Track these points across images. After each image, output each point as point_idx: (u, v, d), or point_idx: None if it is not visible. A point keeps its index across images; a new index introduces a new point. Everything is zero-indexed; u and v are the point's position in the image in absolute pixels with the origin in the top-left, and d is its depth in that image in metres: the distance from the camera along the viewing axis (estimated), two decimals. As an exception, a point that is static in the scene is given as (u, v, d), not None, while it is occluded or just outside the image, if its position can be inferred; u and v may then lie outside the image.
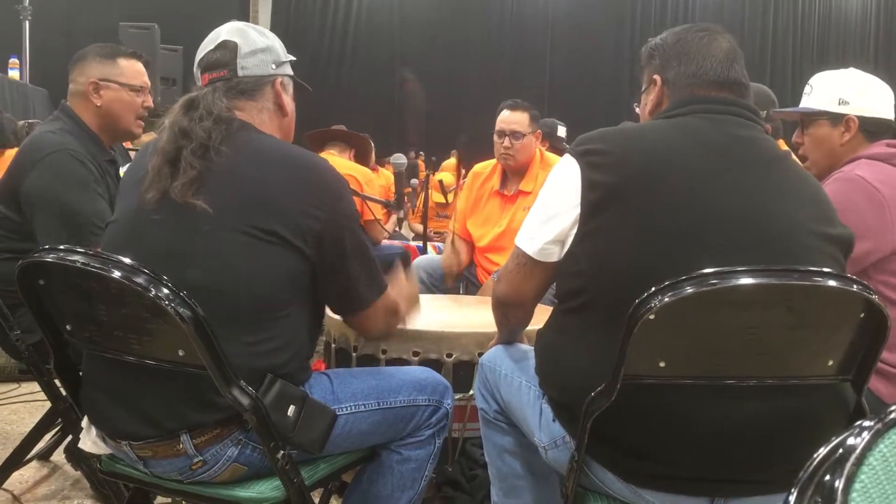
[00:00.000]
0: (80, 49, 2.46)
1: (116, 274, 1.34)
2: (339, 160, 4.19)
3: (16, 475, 2.54)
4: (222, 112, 1.53)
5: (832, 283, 1.24)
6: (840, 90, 2.04)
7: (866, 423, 0.58)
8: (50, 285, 1.48)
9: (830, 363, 1.31)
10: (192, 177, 1.46)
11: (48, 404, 2.40)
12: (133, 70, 2.44)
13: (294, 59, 1.76)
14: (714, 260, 1.26)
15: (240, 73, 1.61)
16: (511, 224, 3.40)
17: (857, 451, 0.55)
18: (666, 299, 1.20)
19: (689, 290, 1.20)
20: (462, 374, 2.17)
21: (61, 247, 1.43)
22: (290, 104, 1.71)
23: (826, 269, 1.27)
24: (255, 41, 1.64)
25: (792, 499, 0.55)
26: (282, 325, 1.50)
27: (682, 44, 1.57)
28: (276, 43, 1.69)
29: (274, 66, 1.66)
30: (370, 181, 4.15)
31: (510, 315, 1.70)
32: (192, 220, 1.45)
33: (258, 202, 1.48)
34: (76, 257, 1.39)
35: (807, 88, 2.13)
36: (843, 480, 0.53)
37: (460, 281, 3.60)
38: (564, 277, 1.48)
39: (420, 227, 4.56)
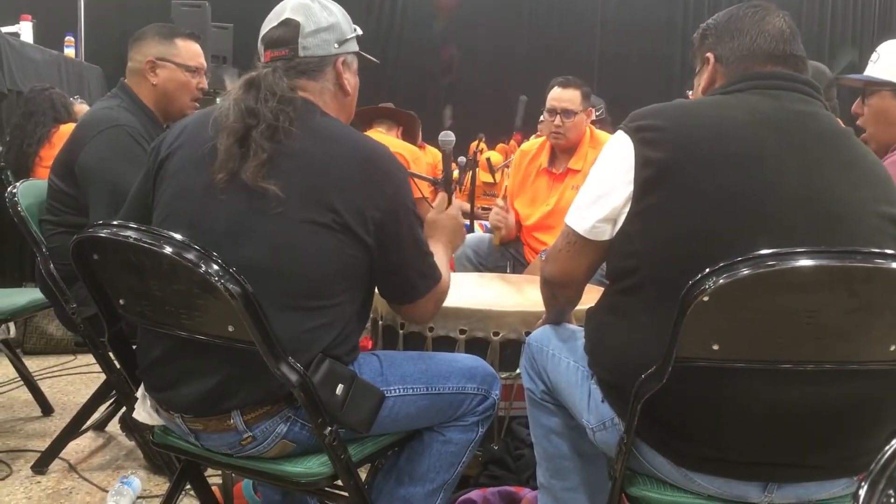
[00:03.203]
0: (134, 27, 2.49)
1: (168, 250, 1.36)
2: (386, 138, 4.18)
3: (72, 445, 2.62)
4: (285, 92, 1.53)
5: (895, 265, 1.19)
6: None
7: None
8: (104, 260, 1.51)
9: (893, 348, 1.26)
10: (263, 160, 1.46)
11: (103, 376, 2.47)
12: (190, 51, 2.47)
13: (360, 32, 1.72)
14: (772, 240, 1.22)
15: (301, 52, 1.60)
16: (559, 203, 3.36)
17: (932, 443, 0.53)
18: (721, 281, 1.17)
19: (745, 271, 1.17)
20: (508, 352, 2.16)
21: (115, 222, 1.45)
22: (353, 81, 1.70)
23: (889, 251, 1.22)
24: (319, 19, 1.62)
25: (862, 493, 0.52)
26: (335, 309, 1.51)
27: (735, 20, 1.52)
28: (341, 18, 1.66)
29: (337, 46, 1.64)
30: (417, 159, 4.14)
31: (559, 295, 1.68)
32: (262, 203, 1.45)
33: (326, 188, 1.48)
34: (129, 233, 1.41)
35: (874, 56, 2.05)
36: (917, 474, 0.51)
37: (507, 259, 3.58)
38: (617, 257, 1.45)
39: (467, 206, 4.54)
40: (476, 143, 6.65)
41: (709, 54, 1.55)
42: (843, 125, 1.48)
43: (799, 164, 1.35)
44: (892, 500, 0.50)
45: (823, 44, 10.71)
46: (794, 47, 1.48)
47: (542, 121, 7.42)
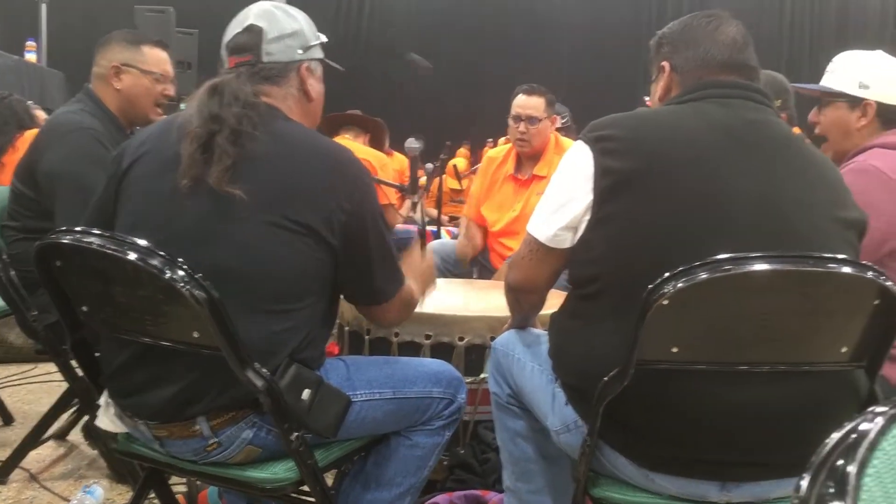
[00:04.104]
0: (97, 32, 2.48)
1: (132, 256, 1.35)
2: (354, 144, 4.18)
3: (33, 454, 2.57)
4: (249, 97, 1.53)
5: (847, 269, 1.24)
6: (862, 73, 2.01)
7: (879, 409, 0.58)
8: (67, 266, 1.50)
9: (844, 350, 1.30)
10: (228, 164, 1.46)
11: (65, 385, 2.43)
12: (156, 58, 2.46)
13: (325, 39, 1.73)
14: (729, 245, 1.25)
15: (264, 58, 1.60)
16: (525, 209, 3.39)
17: (871, 435, 0.56)
18: (680, 285, 1.20)
19: (703, 275, 1.20)
20: (474, 357, 2.18)
21: (78, 228, 1.44)
22: (318, 88, 1.71)
23: (841, 256, 1.27)
24: (283, 25, 1.62)
25: (804, 483, 0.55)
26: (301, 313, 1.51)
27: (689, 30, 1.56)
28: (305, 25, 1.67)
29: (301, 52, 1.64)
30: (385, 165, 4.15)
31: (523, 300, 1.70)
32: (227, 207, 1.45)
33: (291, 192, 1.48)
34: (92, 239, 1.40)
35: (830, 66, 2.09)
36: (856, 465, 0.54)
37: (474, 266, 3.60)
38: (578, 264, 1.47)
39: (434, 212, 4.56)
40: (460, 148, 6.69)
41: (664, 63, 1.58)
42: (795, 132, 1.53)
43: (754, 171, 1.38)
44: (831, 490, 0.52)
45: (781, 53, 10.93)
46: (746, 56, 1.52)
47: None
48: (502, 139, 7.48)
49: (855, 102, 2.01)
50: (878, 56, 2.06)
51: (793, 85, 2.57)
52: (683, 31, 1.57)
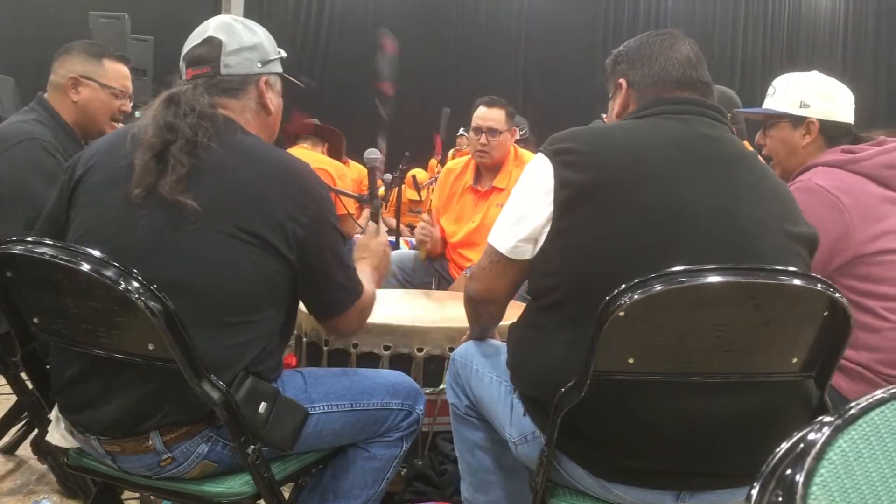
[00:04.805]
0: (50, 38, 2.44)
1: (85, 267, 1.33)
2: (312, 154, 4.17)
3: (-20, 469, 2.51)
4: (205, 108, 1.52)
5: (797, 281, 1.27)
6: (802, 93, 2.07)
7: (827, 419, 0.60)
8: (17, 277, 1.47)
9: (795, 360, 1.33)
10: (182, 174, 1.44)
11: (14, 398, 2.37)
12: (117, 72, 2.43)
13: (284, 55, 1.73)
14: (685, 258, 1.27)
15: (223, 71, 1.59)
16: (484, 220, 3.40)
17: (818, 445, 0.57)
18: (635, 297, 1.22)
19: (658, 287, 1.22)
20: (432, 368, 2.18)
21: (29, 239, 1.41)
22: (276, 102, 1.70)
23: (792, 269, 1.30)
24: (242, 38, 1.62)
25: (754, 493, 0.56)
26: (257, 325, 1.50)
27: (645, 48, 1.59)
28: (264, 39, 1.67)
29: (260, 65, 1.64)
30: (343, 175, 4.14)
31: (482, 312, 1.71)
32: (180, 218, 1.44)
33: (246, 204, 1.47)
34: (44, 249, 1.38)
35: (770, 90, 2.15)
36: (803, 474, 0.55)
37: (433, 276, 3.61)
38: (537, 275, 1.49)
39: (393, 221, 4.55)
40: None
41: (621, 80, 1.61)
42: (749, 148, 1.56)
43: (709, 185, 1.41)
44: (780, 499, 0.54)
45: (735, 72, 11.17)
46: (700, 73, 1.56)
47: (460, 135, 7.51)
48: (451, 150, 7.52)
49: (798, 121, 2.07)
50: (815, 76, 2.12)
51: (737, 110, 2.63)
52: (639, 48, 1.60)
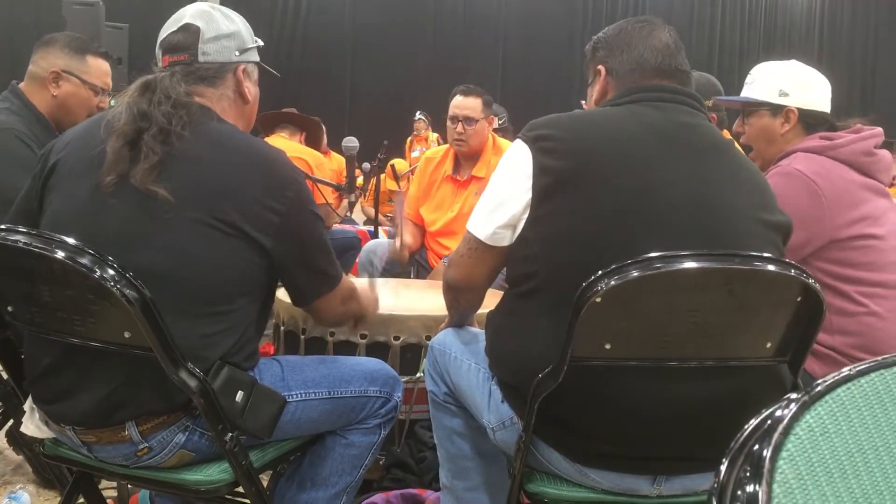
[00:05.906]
0: (22, 26, 2.40)
1: (60, 254, 1.32)
2: (289, 143, 4.14)
3: (-46, 461, 2.49)
4: (181, 97, 1.50)
5: (771, 267, 1.28)
6: (781, 82, 2.09)
7: (793, 396, 0.61)
8: (-10, 266, 1.45)
9: (769, 345, 1.35)
10: (154, 163, 1.43)
11: (-12, 388, 2.35)
12: (99, 70, 2.40)
13: (262, 44, 1.71)
14: (661, 244, 1.28)
15: (201, 58, 1.58)
16: (463, 209, 3.41)
17: (785, 421, 0.58)
18: (612, 282, 1.23)
19: (635, 273, 1.23)
20: (409, 356, 2.18)
21: (2, 226, 1.40)
22: (254, 91, 1.69)
23: (766, 255, 1.31)
24: (220, 26, 1.60)
25: (723, 468, 0.57)
26: (233, 315, 1.49)
27: (624, 34, 1.59)
28: (242, 28, 1.65)
29: (237, 53, 1.62)
30: (321, 164, 4.12)
31: (461, 299, 1.71)
32: (152, 207, 1.42)
33: (219, 193, 1.46)
34: (18, 237, 1.36)
35: (749, 78, 2.17)
36: (770, 449, 0.56)
37: (411, 265, 3.61)
38: (516, 261, 1.49)
39: (371, 211, 4.55)
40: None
41: (600, 67, 1.61)
42: (726, 136, 1.57)
43: (686, 172, 1.42)
44: (748, 473, 0.55)
45: (713, 60, 11.25)
46: (678, 61, 1.57)
47: (417, 119, 7.51)
48: (409, 138, 7.50)
49: (777, 110, 2.08)
50: (794, 64, 2.14)
51: (716, 98, 2.64)
52: (618, 35, 1.60)
